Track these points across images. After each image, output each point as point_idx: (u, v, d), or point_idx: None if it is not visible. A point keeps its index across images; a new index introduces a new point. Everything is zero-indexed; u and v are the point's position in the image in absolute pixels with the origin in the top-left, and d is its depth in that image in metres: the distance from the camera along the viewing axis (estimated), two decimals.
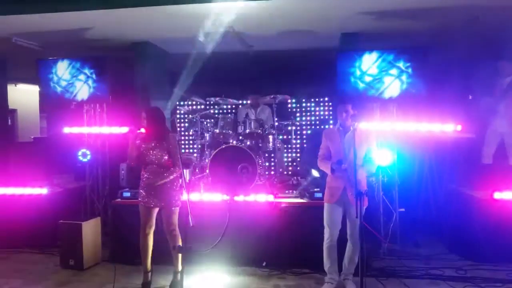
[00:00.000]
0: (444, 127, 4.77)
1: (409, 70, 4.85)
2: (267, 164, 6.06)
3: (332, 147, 3.91)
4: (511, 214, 4.40)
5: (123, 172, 5.07)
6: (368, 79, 4.98)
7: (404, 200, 5.19)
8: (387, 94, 4.92)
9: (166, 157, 3.97)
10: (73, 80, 5.62)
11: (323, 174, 4.28)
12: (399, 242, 4.97)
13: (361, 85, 4.99)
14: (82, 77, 5.58)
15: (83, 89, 5.63)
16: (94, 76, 5.55)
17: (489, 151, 5.21)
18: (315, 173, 4.50)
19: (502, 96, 5.04)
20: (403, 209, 5.03)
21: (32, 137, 9.64)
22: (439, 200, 5.57)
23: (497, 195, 4.52)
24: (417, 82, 4.84)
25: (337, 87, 5.06)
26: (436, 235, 5.41)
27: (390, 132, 4.83)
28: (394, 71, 4.89)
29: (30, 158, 7.01)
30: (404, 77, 4.88)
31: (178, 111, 7.81)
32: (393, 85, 4.89)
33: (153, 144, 3.96)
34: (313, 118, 7.58)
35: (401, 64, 4.88)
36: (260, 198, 4.68)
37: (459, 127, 4.72)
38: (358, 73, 5.00)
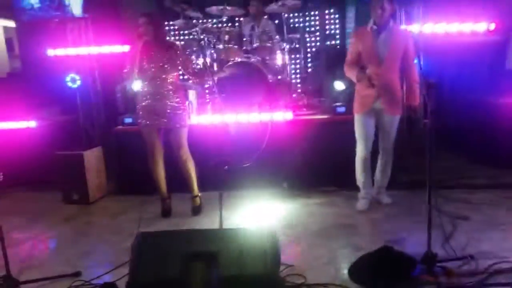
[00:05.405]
0: (475, 27, 4.32)
1: None
2: (277, 80, 5.46)
3: (363, 50, 3.45)
4: None
5: (119, 96, 4.55)
6: None
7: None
8: None
9: (174, 73, 3.52)
10: None
11: (350, 85, 3.85)
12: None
13: None
14: None
15: (60, 6, 4.85)
16: None
17: None
18: (338, 85, 4.00)
19: None
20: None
21: (6, 72, 8.75)
22: (460, 110, 5.26)
23: None
24: None
25: None
26: (459, 145, 5.17)
27: (417, 35, 4.35)
28: None
29: (7, 95, 6.30)
30: None
31: (171, 27, 6.96)
32: None
33: (158, 55, 3.44)
34: (318, 33, 6.94)
35: None
36: (277, 116, 4.26)
37: (492, 26, 4.28)
38: None
